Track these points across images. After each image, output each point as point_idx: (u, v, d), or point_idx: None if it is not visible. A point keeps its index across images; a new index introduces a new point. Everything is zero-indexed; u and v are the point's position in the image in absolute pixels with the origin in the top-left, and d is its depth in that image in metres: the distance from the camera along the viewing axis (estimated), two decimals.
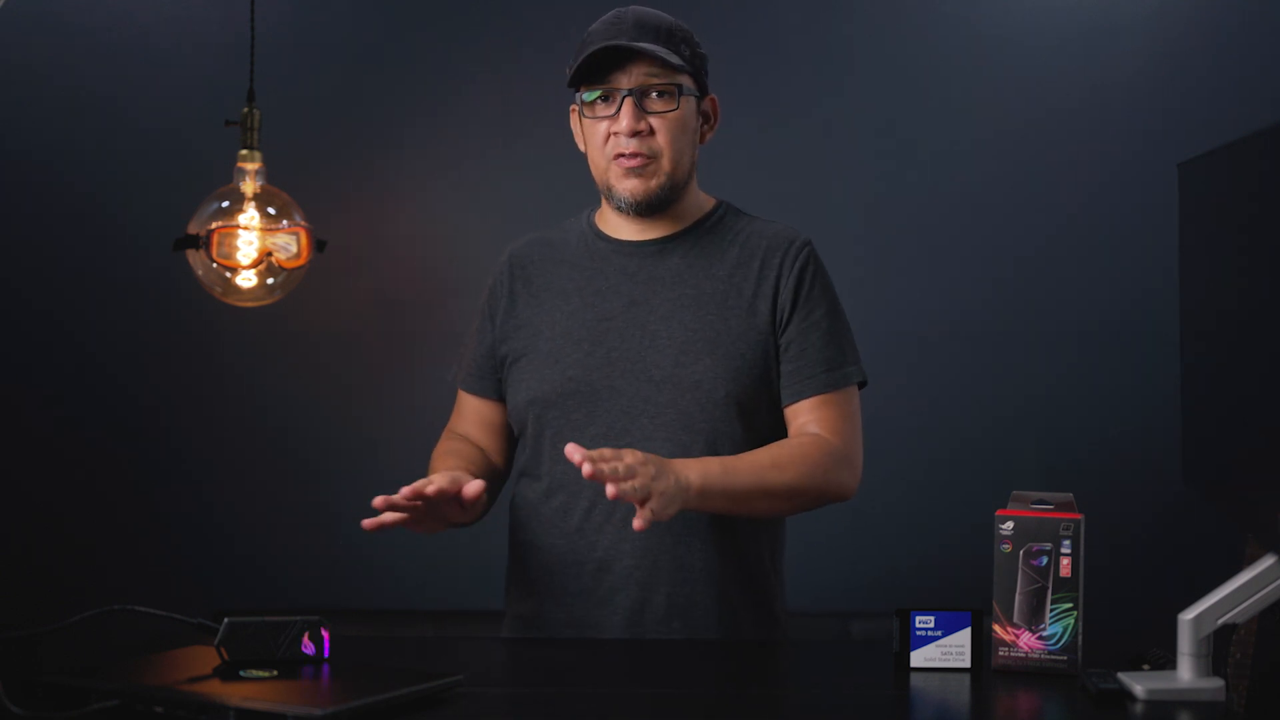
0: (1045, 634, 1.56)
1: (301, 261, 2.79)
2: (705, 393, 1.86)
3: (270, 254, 2.75)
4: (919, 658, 1.58)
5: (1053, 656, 1.56)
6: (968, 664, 1.58)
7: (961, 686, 1.54)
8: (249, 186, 2.77)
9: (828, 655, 1.83)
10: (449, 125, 3.23)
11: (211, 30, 3.15)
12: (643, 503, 1.65)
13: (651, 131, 1.87)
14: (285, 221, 2.79)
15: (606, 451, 1.65)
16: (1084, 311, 3.20)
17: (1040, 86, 3.20)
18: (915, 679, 1.56)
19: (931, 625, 1.58)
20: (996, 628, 1.58)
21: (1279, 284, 1.37)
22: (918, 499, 3.18)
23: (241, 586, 3.17)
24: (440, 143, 3.22)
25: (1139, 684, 1.47)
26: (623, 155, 1.88)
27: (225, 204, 2.76)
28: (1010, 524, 1.58)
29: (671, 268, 1.93)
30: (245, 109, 2.77)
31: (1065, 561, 1.56)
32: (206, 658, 1.49)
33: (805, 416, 1.90)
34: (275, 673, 1.46)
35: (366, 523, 1.69)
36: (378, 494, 1.69)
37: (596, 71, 1.87)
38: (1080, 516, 1.57)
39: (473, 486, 1.74)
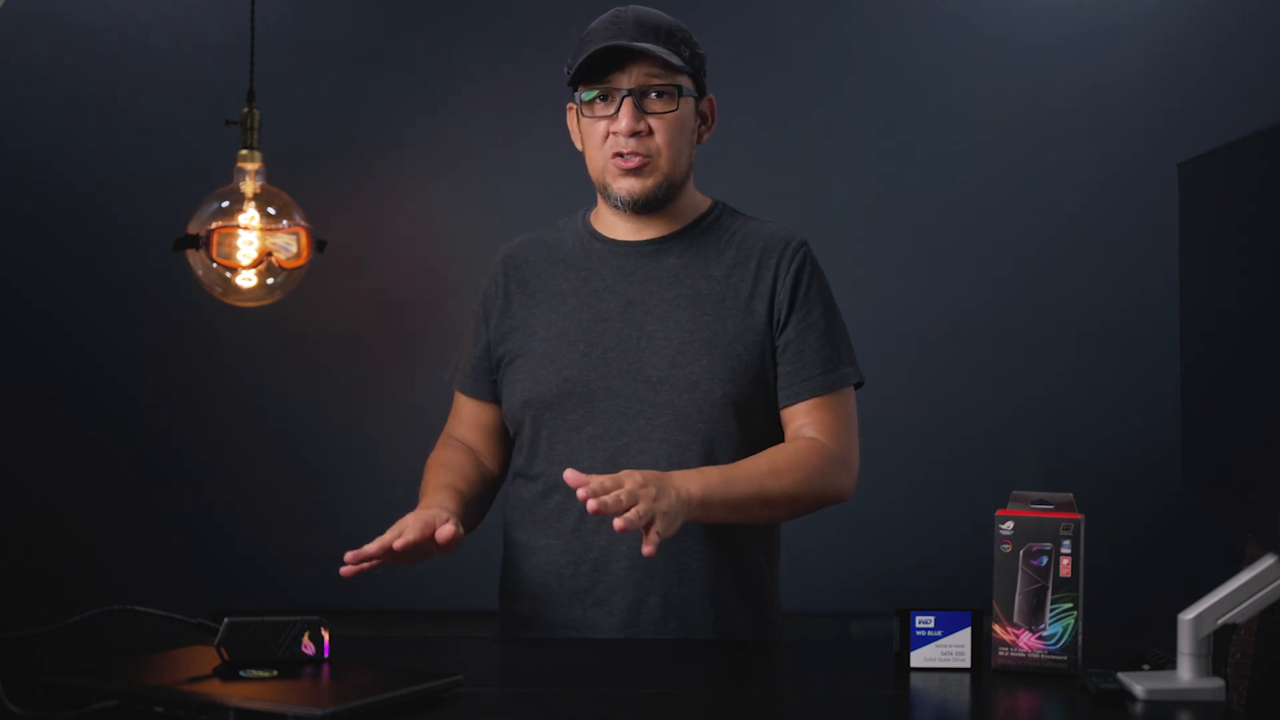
0: (1045, 634, 1.56)
1: (301, 261, 2.79)
2: (702, 393, 1.86)
3: (270, 254, 2.75)
4: (919, 658, 1.58)
5: (1053, 656, 1.56)
6: (968, 664, 1.58)
7: (961, 686, 1.54)
8: (249, 186, 2.77)
9: (827, 655, 1.83)
10: (449, 125, 3.23)
11: (211, 30, 3.15)
12: (648, 526, 1.65)
13: (650, 132, 1.87)
14: (285, 221, 2.79)
15: (606, 480, 1.64)
16: (1084, 311, 3.20)
17: (1040, 86, 3.20)
18: (915, 679, 1.56)
19: (931, 625, 1.58)
20: (996, 628, 1.58)
21: (1279, 284, 1.37)
22: (918, 499, 3.18)
23: (241, 586, 3.16)
24: (440, 143, 3.22)
25: (1139, 684, 1.47)
26: (621, 155, 1.88)
27: (225, 204, 2.76)
28: (1010, 524, 1.58)
29: (668, 268, 1.93)
30: (245, 109, 2.77)
31: (1065, 561, 1.56)
32: (206, 658, 1.49)
33: (802, 419, 1.90)
34: (275, 673, 1.46)
35: (343, 570, 1.68)
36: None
37: (596, 71, 1.87)
38: (1080, 516, 1.57)
39: (444, 531, 1.72)
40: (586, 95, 1.89)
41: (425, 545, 1.73)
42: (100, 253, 3.16)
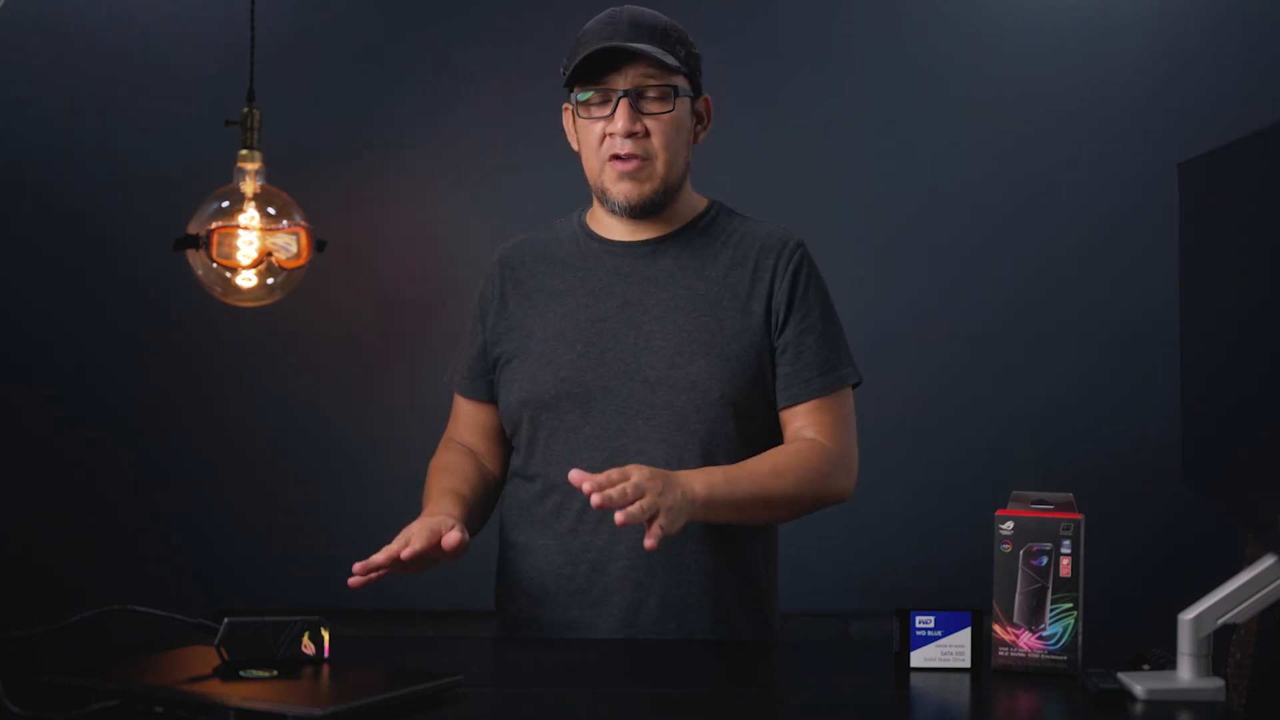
0: (1045, 634, 1.56)
1: (301, 261, 2.79)
2: (700, 394, 1.86)
3: (270, 254, 2.75)
4: (919, 658, 1.58)
5: (1053, 656, 1.56)
6: (968, 664, 1.58)
7: (961, 686, 1.54)
8: (249, 186, 2.77)
9: (827, 655, 1.83)
10: (449, 125, 3.23)
11: (211, 30, 3.15)
12: (651, 520, 1.65)
13: (647, 133, 1.87)
14: (285, 221, 2.79)
15: (613, 473, 1.65)
16: (1084, 311, 3.20)
17: (1040, 86, 3.20)
18: (915, 679, 1.56)
19: (931, 625, 1.58)
20: (996, 628, 1.58)
21: (1279, 284, 1.37)
22: (917, 499, 3.18)
23: (241, 586, 3.16)
24: (440, 143, 3.22)
25: (1139, 684, 1.47)
26: (618, 157, 1.87)
27: (225, 204, 2.76)
28: (1010, 524, 1.58)
29: (665, 268, 1.93)
30: (245, 109, 2.77)
31: (1065, 561, 1.56)
32: (206, 658, 1.49)
33: (802, 420, 1.90)
34: (275, 673, 1.46)
35: (351, 581, 1.68)
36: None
37: (591, 72, 1.87)
38: (1080, 516, 1.57)
39: (450, 539, 1.72)
40: (582, 96, 1.89)
41: (432, 553, 1.73)
42: (100, 253, 3.16)
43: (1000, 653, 1.58)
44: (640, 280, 1.92)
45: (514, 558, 1.94)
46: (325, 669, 1.49)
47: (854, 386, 1.95)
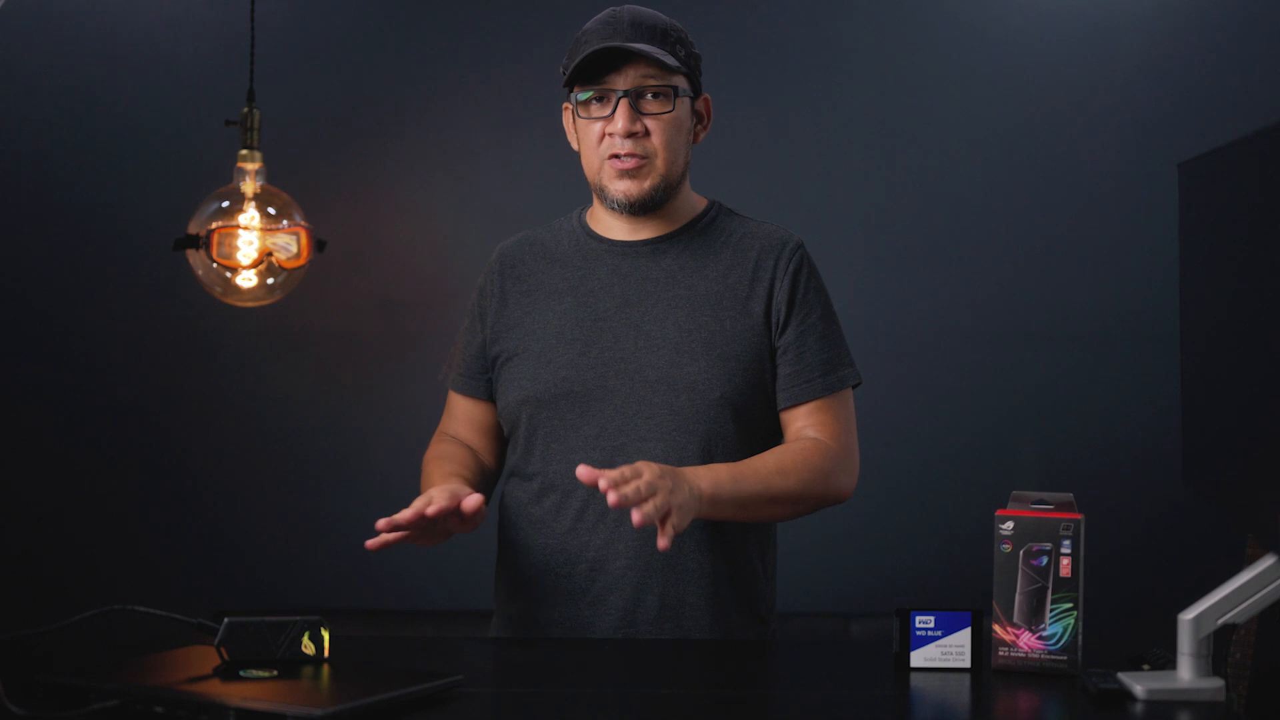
0: (1045, 634, 1.56)
1: (301, 261, 2.79)
2: (700, 394, 1.86)
3: (270, 254, 2.75)
4: (919, 658, 1.58)
5: (1053, 656, 1.56)
6: (968, 664, 1.57)
7: (961, 686, 1.54)
8: (249, 186, 2.77)
9: (828, 655, 1.83)
10: (449, 125, 3.23)
11: (211, 30, 3.15)
12: (664, 520, 1.65)
13: (646, 133, 1.87)
14: (285, 221, 2.79)
15: (625, 470, 1.65)
16: (1084, 311, 3.20)
17: (1040, 86, 3.20)
18: (915, 679, 1.56)
19: (931, 625, 1.58)
20: (996, 628, 1.58)
21: (1279, 284, 1.37)
22: (918, 499, 3.18)
23: (241, 586, 3.17)
24: (440, 143, 3.22)
25: (1139, 684, 1.47)
26: (617, 156, 1.87)
27: (225, 204, 2.77)
28: (1010, 524, 1.58)
29: (665, 268, 1.93)
30: (245, 109, 2.77)
31: (1065, 561, 1.56)
32: (206, 658, 1.49)
33: (803, 421, 1.90)
34: (275, 673, 1.46)
35: (371, 543, 1.68)
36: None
37: (591, 72, 1.87)
38: (1080, 516, 1.57)
39: (471, 500, 1.73)
40: (582, 96, 1.89)
41: (449, 523, 1.73)
42: (100, 253, 3.16)
43: (1000, 653, 1.58)
44: (640, 280, 1.92)
45: (512, 557, 1.94)
46: (325, 669, 1.49)
47: (854, 387, 1.95)
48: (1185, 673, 1.48)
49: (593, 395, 1.88)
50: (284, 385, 3.21)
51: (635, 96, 1.86)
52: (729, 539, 1.89)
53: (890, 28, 3.23)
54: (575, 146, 1.96)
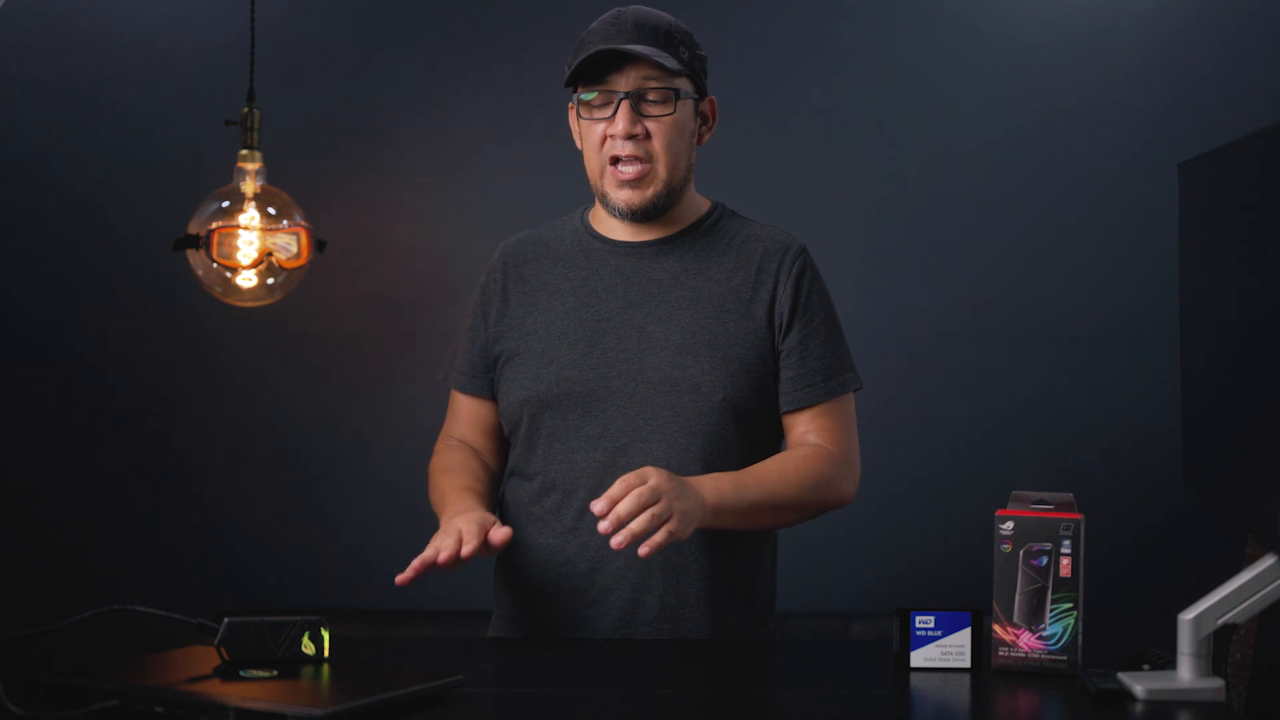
0: (1045, 634, 1.56)
1: (301, 261, 2.79)
2: (703, 396, 1.86)
3: (270, 254, 2.75)
4: (919, 658, 1.58)
5: (1053, 656, 1.56)
6: (968, 664, 1.57)
7: (961, 686, 1.54)
8: (249, 186, 2.77)
9: (828, 655, 1.83)
10: (449, 125, 3.23)
11: (211, 30, 3.15)
12: (661, 524, 1.65)
13: (647, 135, 1.87)
14: (285, 221, 2.79)
15: (630, 478, 1.66)
16: (1084, 311, 3.20)
17: (1040, 86, 3.20)
18: (915, 679, 1.56)
19: (931, 625, 1.58)
20: (996, 628, 1.58)
21: (1279, 284, 1.37)
22: (918, 499, 3.18)
23: (241, 586, 3.17)
24: (440, 143, 3.22)
25: (1139, 684, 1.47)
26: (618, 159, 1.87)
27: (225, 204, 2.77)
28: (1010, 524, 1.58)
29: (668, 269, 1.93)
30: (245, 109, 2.77)
31: (1065, 561, 1.56)
32: (206, 658, 1.49)
33: (805, 425, 1.91)
34: (275, 673, 1.46)
35: (401, 578, 1.69)
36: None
37: (594, 73, 1.87)
38: (1080, 516, 1.57)
39: (499, 534, 1.73)
40: (585, 96, 1.89)
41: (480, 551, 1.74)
42: (100, 253, 3.16)
43: (1000, 653, 1.58)
44: (643, 281, 1.92)
45: (512, 556, 1.94)
46: (325, 669, 1.49)
47: (855, 391, 1.95)
48: (1185, 673, 1.48)
49: (595, 396, 1.88)
50: (284, 385, 3.21)
51: (636, 98, 1.86)
52: (729, 540, 1.89)
53: (890, 27, 3.23)
54: (579, 145, 1.96)
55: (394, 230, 3.23)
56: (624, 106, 1.85)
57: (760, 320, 1.90)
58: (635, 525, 1.63)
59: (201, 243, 2.73)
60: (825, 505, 1.89)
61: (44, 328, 3.16)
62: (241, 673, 1.45)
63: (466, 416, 2.03)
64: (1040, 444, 3.19)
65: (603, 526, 1.63)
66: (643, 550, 1.64)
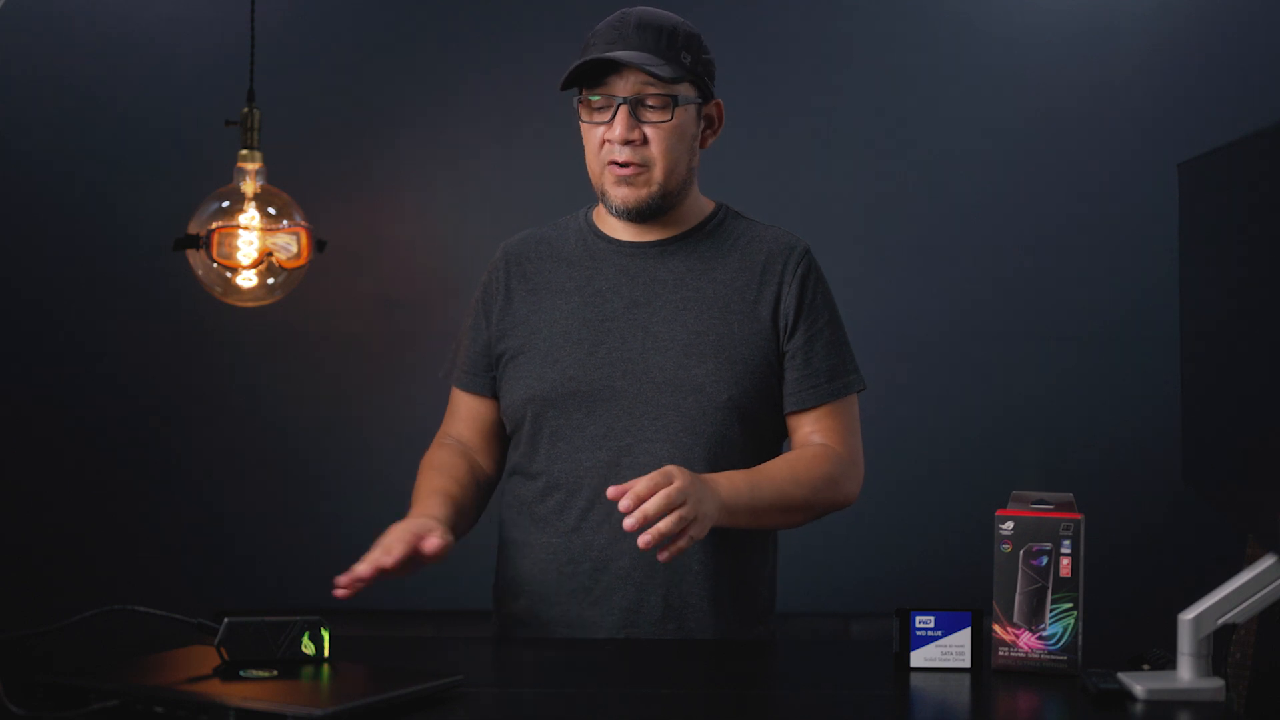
0: (1045, 634, 1.56)
1: (301, 261, 2.79)
2: (708, 396, 1.86)
3: (270, 254, 2.75)
4: (919, 658, 1.58)
5: (1053, 656, 1.56)
6: (968, 664, 1.58)
7: (961, 686, 1.54)
8: (249, 186, 2.77)
9: (828, 655, 1.83)
10: (449, 125, 3.23)
11: (211, 30, 3.15)
12: (683, 530, 1.65)
13: (645, 140, 1.87)
14: (285, 221, 2.79)
15: (656, 476, 1.65)
16: (1084, 312, 3.20)
17: (1040, 86, 3.20)
18: (915, 679, 1.56)
19: (931, 625, 1.58)
20: (996, 628, 1.58)
21: (1279, 284, 1.37)
22: (918, 499, 3.18)
23: (241, 586, 3.17)
24: (440, 143, 3.22)
25: (1139, 684, 1.47)
26: (615, 163, 1.87)
27: (225, 204, 2.77)
28: (1010, 524, 1.58)
29: (673, 270, 1.93)
30: (245, 109, 2.77)
31: (1065, 561, 1.56)
32: (206, 658, 1.49)
33: (810, 426, 1.91)
34: (275, 673, 1.46)
35: (339, 593, 1.68)
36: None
37: (594, 75, 1.87)
38: (1080, 516, 1.57)
39: (430, 544, 1.72)
40: (590, 96, 1.88)
41: (415, 557, 1.73)
42: (100, 253, 3.16)
43: (1000, 653, 1.58)
44: (647, 281, 1.92)
45: (513, 555, 1.94)
46: (325, 669, 1.49)
47: (858, 392, 1.96)
48: (1185, 673, 1.48)
49: (599, 395, 1.88)
50: (284, 385, 3.21)
51: (635, 104, 1.86)
52: (732, 539, 1.89)
53: (890, 27, 3.23)
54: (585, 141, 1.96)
55: (394, 230, 3.23)
56: (622, 112, 1.85)
57: (765, 321, 1.90)
58: (663, 525, 1.63)
59: (201, 243, 2.73)
60: (832, 506, 1.89)
61: (44, 328, 3.16)
62: (241, 673, 1.45)
63: (466, 415, 2.02)
64: (1040, 444, 3.19)
65: (629, 523, 1.62)
66: (663, 555, 1.64)
